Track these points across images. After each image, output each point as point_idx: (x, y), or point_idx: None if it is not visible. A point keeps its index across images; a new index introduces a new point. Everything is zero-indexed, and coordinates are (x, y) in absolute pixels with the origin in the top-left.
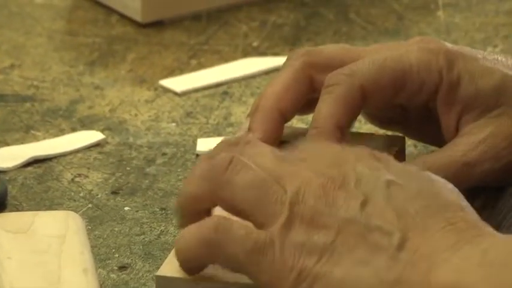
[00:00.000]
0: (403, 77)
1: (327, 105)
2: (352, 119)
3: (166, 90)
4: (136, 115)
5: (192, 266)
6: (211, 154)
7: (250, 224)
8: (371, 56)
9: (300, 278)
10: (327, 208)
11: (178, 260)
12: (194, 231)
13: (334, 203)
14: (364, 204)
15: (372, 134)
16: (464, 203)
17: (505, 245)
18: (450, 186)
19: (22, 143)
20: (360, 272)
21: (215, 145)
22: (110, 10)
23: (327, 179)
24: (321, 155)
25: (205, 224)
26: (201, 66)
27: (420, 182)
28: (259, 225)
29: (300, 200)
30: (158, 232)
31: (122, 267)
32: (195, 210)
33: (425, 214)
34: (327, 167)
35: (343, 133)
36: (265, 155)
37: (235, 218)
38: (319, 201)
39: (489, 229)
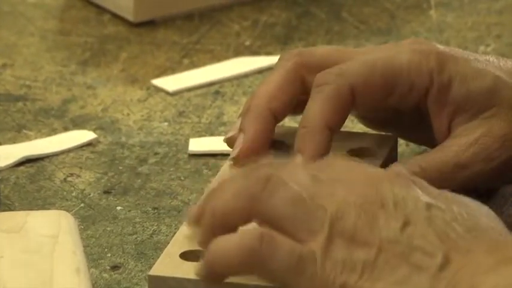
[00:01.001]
0: (394, 79)
1: (316, 104)
2: (342, 118)
3: (159, 90)
4: (128, 114)
5: (224, 274)
6: (246, 173)
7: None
8: (362, 57)
9: None
10: (367, 226)
11: (208, 267)
12: (235, 240)
13: (375, 222)
14: (405, 225)
15: (363, 133)
16: (501, 225)
17: None
18: (485, 209)
19: (14, 143)
20: None
21: (248, 165)
22: (102, 9)
23: (365, 199)
24: (355, 174)
25: (249, 234)
26: (193, 65)
27: (458, 205)
28: (299, 241)
29: (340, 217)
30: (150, 232)
31: (115, 267)
32: (226, 225)
33: (467, 237)
34: (363, 187)
35: (333, 133)
36: (302, 174)
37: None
38: (360, 220)
39: None
